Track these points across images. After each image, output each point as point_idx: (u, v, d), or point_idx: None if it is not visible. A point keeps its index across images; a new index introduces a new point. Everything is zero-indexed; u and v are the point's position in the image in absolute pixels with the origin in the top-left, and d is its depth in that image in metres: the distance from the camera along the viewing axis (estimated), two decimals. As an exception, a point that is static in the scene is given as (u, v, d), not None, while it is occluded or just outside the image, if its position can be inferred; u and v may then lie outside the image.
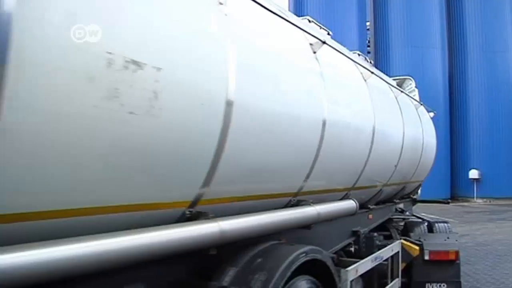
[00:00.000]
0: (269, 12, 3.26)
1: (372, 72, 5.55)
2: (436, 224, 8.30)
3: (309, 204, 3.91)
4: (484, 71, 28.43)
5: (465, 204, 26.11)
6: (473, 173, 27.56)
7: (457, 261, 6.87)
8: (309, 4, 26.94)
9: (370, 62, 7.11)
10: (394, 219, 8.05)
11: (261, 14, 3.25)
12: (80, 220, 1.95)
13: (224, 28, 2.71)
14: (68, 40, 1.69)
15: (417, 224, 8.16)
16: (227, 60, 2.64)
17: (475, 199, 27.38)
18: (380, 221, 6.98)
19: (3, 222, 1.66)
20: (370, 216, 6.19)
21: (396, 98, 6.93)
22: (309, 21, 5.01)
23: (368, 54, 29.86)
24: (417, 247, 6.83)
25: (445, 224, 8.41)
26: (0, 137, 1.55)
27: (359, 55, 6.13)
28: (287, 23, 3.62)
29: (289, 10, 29.23)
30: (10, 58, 1.50)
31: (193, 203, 2.62)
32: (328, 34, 5.33)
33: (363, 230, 5.62)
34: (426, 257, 6.78)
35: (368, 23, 30.25)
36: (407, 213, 8.80)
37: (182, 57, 2.33)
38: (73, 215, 1.91)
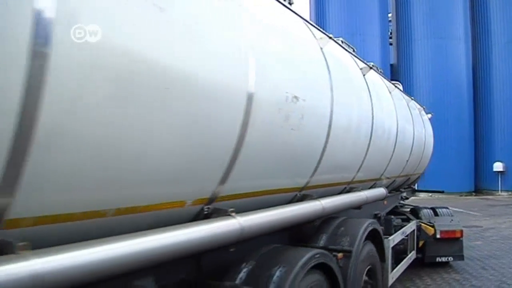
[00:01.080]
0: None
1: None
2: (439, 209, 9.67)
3: (360, 190, 5.42)
4: (509, 63, 27.82)
5: (489, 197, 25.83)
6: (498, 166, 27.16)
7: (461, 238, 8.65)
8: (331, -4, 26.76)
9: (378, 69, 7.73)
10: (399, 205, 9.58)
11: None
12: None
13: (325, 69, 4.14)
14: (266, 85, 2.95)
15: (422, 209, 9.51)
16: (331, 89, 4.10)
17: (499, 192, 27.00)
18: (392, 206, 8.50)
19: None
20: (385, 202, 7.27)
21: (407, 103, 8.55)
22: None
23: (390, 46, 29.55)
24: (431, 228, 8.47)
25: (447, 209, 9.78)
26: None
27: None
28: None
29: (310, 3, 29.07)
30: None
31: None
32: (354, 51, 6.25)
33: (381, 213, 6.86)
34: (438, 236, 8.43)
35: (390, 15, 29.81)
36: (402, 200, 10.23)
37: (312, 92, 3.75)
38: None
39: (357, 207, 5.36)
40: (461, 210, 18.77)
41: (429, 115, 12.46)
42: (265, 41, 3.14)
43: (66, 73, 1.62)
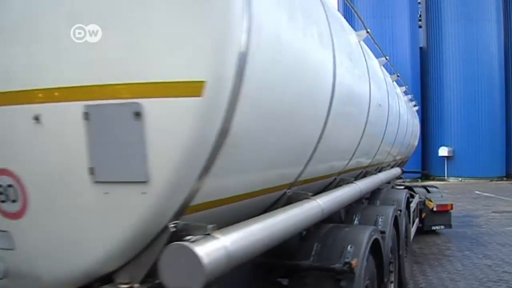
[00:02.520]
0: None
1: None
2: (429, 188, 11.72)
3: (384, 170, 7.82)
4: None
5: (522, 181, 25.23)
6: (530, 150, 26.49)
7: (451, 211, 10.65)
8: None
9: None
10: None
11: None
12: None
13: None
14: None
15: (415, 187, 11.17)
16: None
17: (532, 176, 26.40)
18: (393, 183, 9.99)
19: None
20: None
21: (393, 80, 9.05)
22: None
23: (420, 29, 28.99)
24: (431, 202, 10.36)
25: (436, 188, 11.93)
26: None
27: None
28: None
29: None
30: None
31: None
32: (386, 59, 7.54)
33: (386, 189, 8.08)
34: (435, 209, 10.34)
35: (419, -3, 29.24)
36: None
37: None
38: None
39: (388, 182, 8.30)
40: (492, 195, 18.53)
41: (416, 107, 14.08)
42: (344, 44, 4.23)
43: None
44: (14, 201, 2.15)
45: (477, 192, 19.75)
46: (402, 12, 26.97)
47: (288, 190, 3.18)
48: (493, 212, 14.18)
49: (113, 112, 1.93)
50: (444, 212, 10.57)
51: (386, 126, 6.21)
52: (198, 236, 1.92)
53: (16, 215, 2.17)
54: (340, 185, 4.45)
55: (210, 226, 1.98)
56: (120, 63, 1.92)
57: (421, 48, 28.59)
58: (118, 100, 1.91)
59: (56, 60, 2.03)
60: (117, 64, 1.92)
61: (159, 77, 1.89)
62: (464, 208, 15.09)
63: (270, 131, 2.51)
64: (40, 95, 2.03)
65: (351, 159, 4.59)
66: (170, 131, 1.92)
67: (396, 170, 9.68)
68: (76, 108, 1.94)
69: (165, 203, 1.99)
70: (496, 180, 24.67)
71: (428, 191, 11.24)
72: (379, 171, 7.43)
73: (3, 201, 2.17)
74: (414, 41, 27.46)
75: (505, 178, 25.43)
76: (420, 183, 15.22)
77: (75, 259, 2.11)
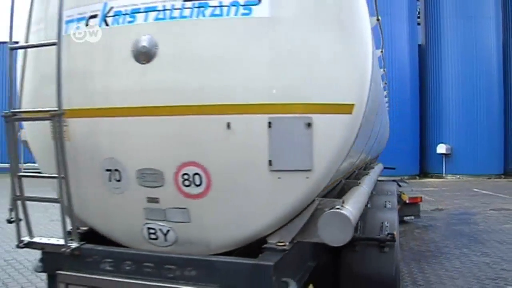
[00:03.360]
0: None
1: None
2: (400, 183, 12.63)
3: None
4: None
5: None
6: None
7: (420, 203, 11.62)
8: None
9: None
10: None
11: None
12: None
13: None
14: None
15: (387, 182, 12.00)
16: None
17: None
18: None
19: None
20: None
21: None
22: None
23: (418, 26, 28.90)
24: (405, 195, 11.20)
25: (406, 183, 13.05)
26: None
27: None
28: None
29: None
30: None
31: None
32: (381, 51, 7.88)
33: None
34: (407, 201, 11.23)
35: (418, -6, 29.15)
36: None
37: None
38: None
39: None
40: (490, 192, 18.62)
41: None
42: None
43: None
44: (198, 185, 3.02)
45: (475, 189, 19.87)
46: (401, 9, 26.86)
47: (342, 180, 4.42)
48: (491, 209, 14.24)
49: (290, 122, 2.87)
50: (415, 204, 11.53)
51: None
52: (339, 206, 3.00)
53: (198, 196, 3.05)
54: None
55: (339, 200, 3.17)
56: (298, 89, 2.88)
57: (419, 45, 28.53)
58: (294, 114, 2.86)
59: (245, 84, 2.89)
60: (296, 90, 2.87)
61: (324, 100, 2.89)
62: (461, 205, 15.31)
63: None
64: (231, 108, 2.90)
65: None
66: (329, 136, 2.92)
67: (380, 166, 10.82)
68: (262, 119, 2.87)
69: (318, 185, 3.04)
70: (494, 178, 24.68)
71: (400, 185, 12.12)
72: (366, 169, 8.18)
73: (187, 186, 3.04)
74: (413, 39, 27.39)
75: (503, 176, 25.44)
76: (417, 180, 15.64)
77: (244, 228, 3.09)
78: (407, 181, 13.89)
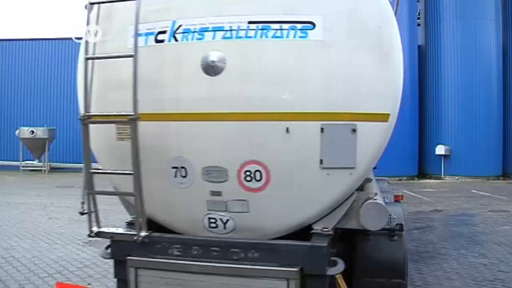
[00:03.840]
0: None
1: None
2: (381, 181, 13.48)
3: None
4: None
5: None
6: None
7: (401, 201, 11.49)
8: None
9: None
10: None
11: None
12: None
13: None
14: None
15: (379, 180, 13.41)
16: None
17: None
18: None
19: None
20: None
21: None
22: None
23: (418, 27, 29.17)
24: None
25: (387, 182, 12.88)
26: None
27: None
28: None
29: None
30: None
31: None
32: None
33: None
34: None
35: (418, -6, 29.33)
36: None
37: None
38: None
39: None
40: (488, 194, 18.79)
41: None
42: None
43: None
44: (258, 180, 3.63)
45: (473, 191, 20.04)
46: (401, 10, 26.95)
47: None
48: (490, 211, 14.41)
49: (339, 128, 3.53)
50: (396, 202, 11.92)
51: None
52: (374, 198, 3.85)
53: (257, 190, 3.65)
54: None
55: (373, 192, 4.05)
56: (346, 101, 3.56)
57: (419, 46, 28.74)
58: (342, 122, 3.53)
59: (302, 95, 3.56)
60: (343, 101, 3.56)
61: (366, 110, 3.59)
62: (460, 207, 15.38)
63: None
64: (290, 116, 3.53)
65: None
66: (369, 140, 3.64)
67: None
68: (316, 125, 3.52)
69: (359, 180, 3.80)
70: (493, 179, 24.94)
71: None
72: None
73: (248, 181, 3.63)
74: (413, 39, 27.59)
75: (501, 177, 25.73)
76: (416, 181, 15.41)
77: (295, 217, 3.76)
78: (390, 181, 13.88)
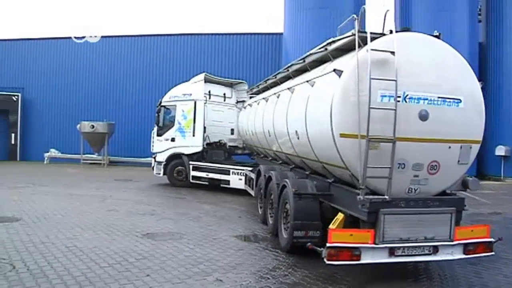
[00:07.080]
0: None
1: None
2: None
3: None
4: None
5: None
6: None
7: None
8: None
9: None
10: None
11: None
12: None
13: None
14: None
15: None
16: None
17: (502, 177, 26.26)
18: None
19: None
20: None
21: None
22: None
23: (479, 23, 28.21)
24: None
25: None
26: None
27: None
28: None
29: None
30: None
31: None
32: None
33: None
34: None
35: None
36: None
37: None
38: None
39: None
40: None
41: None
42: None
43: None
44: (435, 170, 7.77)
45: (534, 193, 19.44)
46: (461, 5, 26.55)
47: None
48: (551, 215, 15.54)
49: (466, 146, 7.95)
50: None
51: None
52: (468, 176, 8.99)
53: (433, 174, 7.82)
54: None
55: (466, 174, 8.82)
56: (467, 133, 8.04)
57: (480, 43, 27.96)
58: (467, 144, 8.01)
59: (453, 131, 7.85)
60: (466, 133, 8.01)
61: (474, 137, 8.12)
62: None
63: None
64: (450, 141, 7.81)
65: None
66: (473, 153, 8.17)
67: None
68: (458, 145, 7.88)
69: (467, 170, 8.44)
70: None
71: None
72: None
73: (431, 170, 7.74)
74: (473, 36, 27.23)
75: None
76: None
77: (444, 187, 8.04)
78: None
